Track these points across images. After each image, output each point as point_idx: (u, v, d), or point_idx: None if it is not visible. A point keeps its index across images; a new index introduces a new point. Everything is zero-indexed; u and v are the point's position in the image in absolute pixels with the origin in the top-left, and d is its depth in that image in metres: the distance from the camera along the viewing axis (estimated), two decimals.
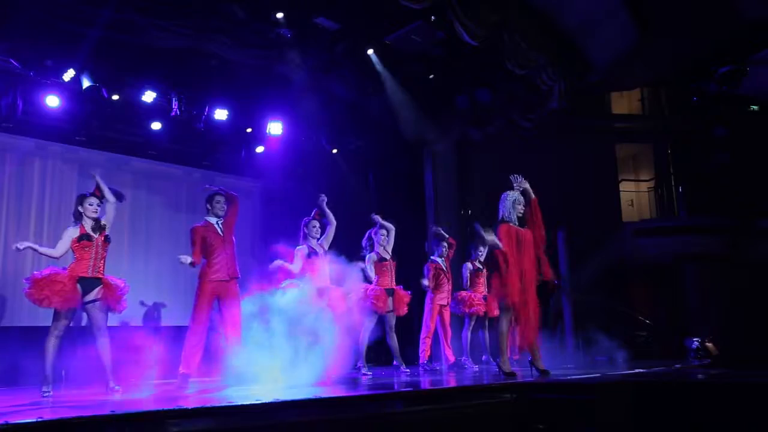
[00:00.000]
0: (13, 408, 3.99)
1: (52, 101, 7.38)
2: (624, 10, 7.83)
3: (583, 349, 8.82)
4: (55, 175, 7.97)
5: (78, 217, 5.14)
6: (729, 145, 10.88)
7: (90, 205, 5.12)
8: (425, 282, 7.36)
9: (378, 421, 3.78)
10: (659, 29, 8.18)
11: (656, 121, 12.86)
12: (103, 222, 5.16)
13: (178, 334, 7.61)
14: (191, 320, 5.60)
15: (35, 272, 4.97)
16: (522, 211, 5.68)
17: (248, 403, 3.64)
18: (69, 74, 7.30)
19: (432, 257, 7.69)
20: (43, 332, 7.04)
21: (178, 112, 8.16)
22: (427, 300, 7.53)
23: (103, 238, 5.11)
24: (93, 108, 7.79)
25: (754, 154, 10.55)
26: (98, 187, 5.22)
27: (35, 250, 5.07)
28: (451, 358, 7.59)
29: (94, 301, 4.99)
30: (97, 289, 5.01)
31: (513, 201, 5.65)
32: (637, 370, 6.06)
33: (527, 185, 5.76)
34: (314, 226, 6.37)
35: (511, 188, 5.76)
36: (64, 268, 4.99)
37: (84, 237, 5.03)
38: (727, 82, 9.45)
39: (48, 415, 3.04)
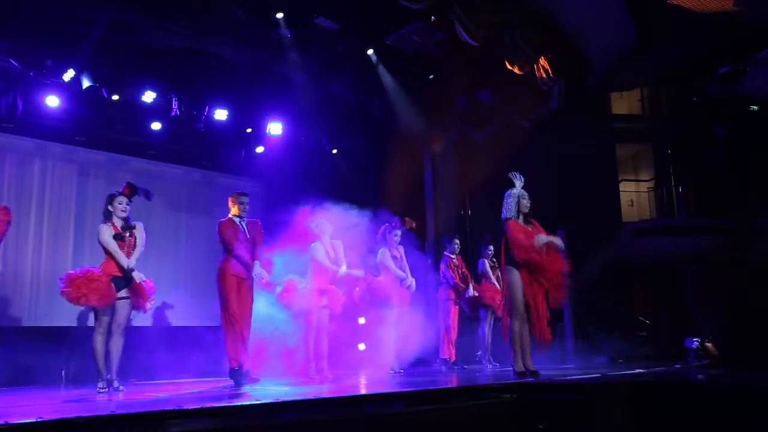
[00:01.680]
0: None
1: (52, 101, 7.38)
2: (624, 10, 7.83)
3: (583, 349, 8.83)
4: (55, 175, 7.97)
5: (107, 216, 5.17)
6: (729, 145, 10.87)
7: (119, 204, 5.15)
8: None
9: (378, 421, 3.77)
10: (659, 29, 8.17)
11: (656, 121, 12.84)
12: (132, 223, 5.20)
13: (178, 334, 7.64)
14: (224, 315, 5.59)
15: (70, 271, 5.05)
16: (528, 206, 5.58)
17: (248, 403, 3.64)
18: (69, 74, 7.30)
19: (445, 252, 7.78)
20: (42, 332, 7.11)
21: (178, 113, 8.16)
22: (443, 297, 7.60)
23: (133, 239, 5.16)
24: (93, 108, 7.78)
25: (754, 154, 10.54)
26: (127, 186, 5.23)
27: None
28: (452, 357, 7.62)
29: (124, 298, 5.06)
30: (127, 288, 5.08)
31: (518, 197, 5.57)
32: (637, 370, 6.07)
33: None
34: (324, 224, 6.44)
35: (512, 186, 5.66)
36: (96, 267, 5.03)
37: (118, 237, 5.08)
38: (727, 82, 9.44)
39: (48, 415, 3.03)
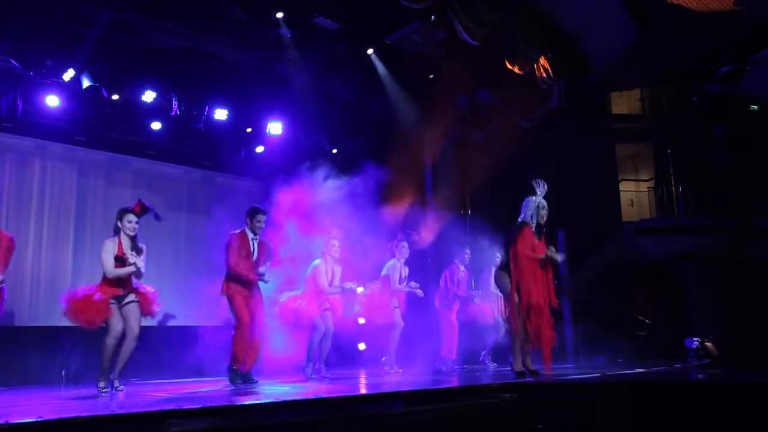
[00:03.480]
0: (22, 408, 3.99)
1: (52, 101, 7.38)
2: (624, 10, 7.83)
3: (583, 349, 8.82)
4: (55, 175, 7.96)
5: (116, 231, 5.11)
6: (729, 145, 10.87)
7: (129, 222, 5.06)
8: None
9: (378, 421, 3.78)
10: (659, 29, 8.17)
11: (656, 121, 12.85)
12: (140, 245, 5.13)
13: (178, 334, 7.64)
14: (236, 319, 5.66)
15: (70, 292, 5.01)
16: (545, 217, 5.52)
17: (248, 403, 3.64)
18: (69, 74, 7.30)
19: (455, 260, 7.82)
20: (42, 332, 7.11)
21: (178, 112, 8.17)
22: (442, 300, 7.63)
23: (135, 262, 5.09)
24: (93, 108, 7.77)
25: (754, 154, 10.54)
26: (138, 204, 5.18)
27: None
28: (452, 357, 7.65)
29: (132, 302, 5.05)
30: (131, 295, 5.07)
31: (537, 206, 5.51)
32: (637, 370, 6.07)
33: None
34: (334, 245, 6.51)
35: (534, 193, 5.58)
36: (95, 286, 5.01)
37: (118, 259, 5.00)
38: (727, 82, 9.44)
39: (48, 415, 3.03)
